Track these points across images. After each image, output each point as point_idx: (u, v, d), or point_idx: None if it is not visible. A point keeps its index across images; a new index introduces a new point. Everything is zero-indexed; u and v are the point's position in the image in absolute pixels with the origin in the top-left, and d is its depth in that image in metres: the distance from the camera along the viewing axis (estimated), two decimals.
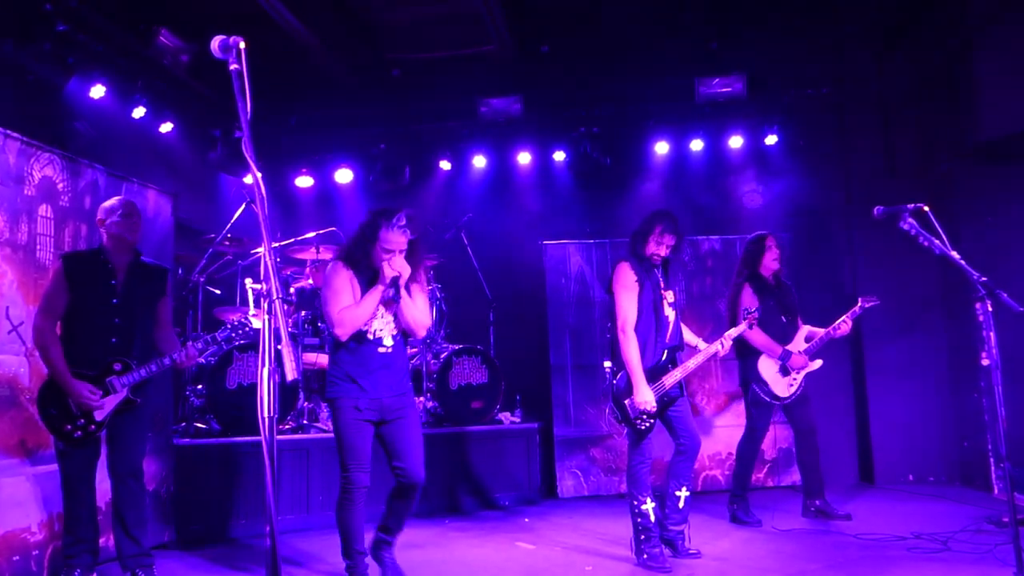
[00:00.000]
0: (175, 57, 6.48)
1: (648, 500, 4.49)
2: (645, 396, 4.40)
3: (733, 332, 4.89)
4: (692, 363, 4.67)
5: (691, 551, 4.63)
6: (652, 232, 4.59)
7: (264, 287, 1.86)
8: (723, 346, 4.77)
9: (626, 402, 4.48)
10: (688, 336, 4.91)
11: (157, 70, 6.69)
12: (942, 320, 7.24)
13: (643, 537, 4.48)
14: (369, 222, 4.09)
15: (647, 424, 4.49)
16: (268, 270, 1.83)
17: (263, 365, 1.79)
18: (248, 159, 1.95)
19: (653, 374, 4.51)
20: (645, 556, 4.45)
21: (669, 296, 4.66)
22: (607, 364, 4.77)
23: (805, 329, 5.68)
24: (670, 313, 4.63)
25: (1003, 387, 3.48)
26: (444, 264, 7.33)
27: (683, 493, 4.62)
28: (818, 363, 5.58)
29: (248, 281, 6.79)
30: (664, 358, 4.56)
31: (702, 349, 4.79)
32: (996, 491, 6.41)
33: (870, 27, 7.61)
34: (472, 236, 7.73)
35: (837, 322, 5.49)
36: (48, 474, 4.19)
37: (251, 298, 6.70)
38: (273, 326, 1.80)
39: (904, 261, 7.14)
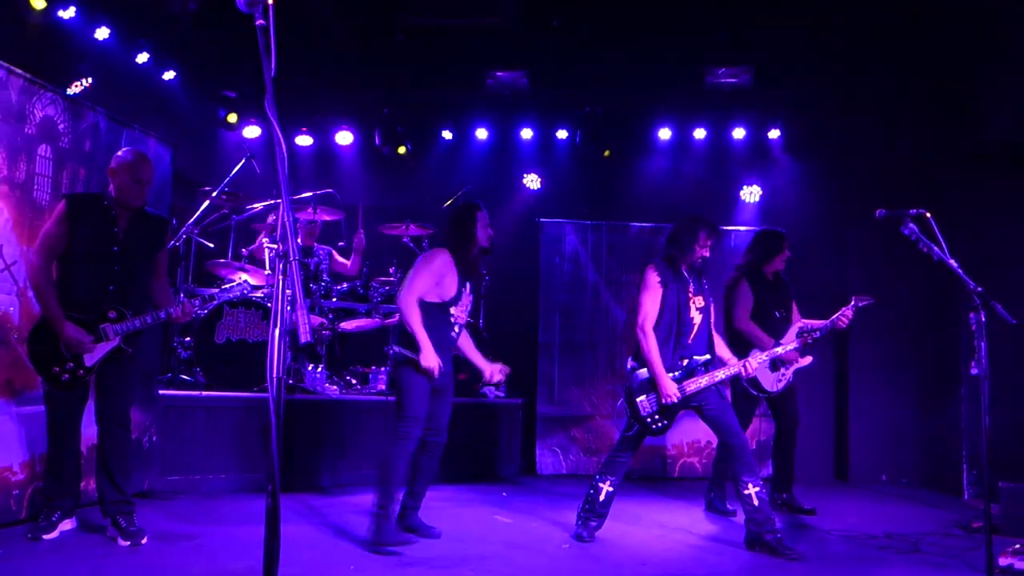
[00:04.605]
0: (183, 4, 6.38)
1: (609, 484, 4.61)
2: (669, 388, 4.44)
3: (762, 357, 4.82)
4: (721, 374, 4.60)
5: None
6: (697, 240, 4.60)
7: (281, 247, 1.85)
8: (747, 369, 4.63)
9: (638, 400, 4.51)
10: (721, 351, 4.79)
11: (163, 16, 6.58)
12: (928, 326, 7.30)
13: (587, 507, 4.66)
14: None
15: (660, 424, 4.53)
16: (287, 231, 1.82)
17: (275, 326, 1.78)
18: (270, 117, 1.93)
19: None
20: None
21: (698, 301, 4.63)
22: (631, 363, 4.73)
23: (798, 325, 5.71)
24: (696, 316, 4.60)
25: (987, 397, 3.52)
26: (438, 234, 7.29)
27: (751, 490, 4.46)
28: (808, 359, 5.60)
29: (265, 241, 6.76)
30: (686, 363, 4.55)
31: (731, 364, 4.69)
32: (966, 496, 6.53)
33: (878, 27, 7.59)
34: None
35: (832, 317, 5.45)
36: (33, 415, 4.18)
37: (267, 257, 6.64)
38: (288, 288, 1.79)
39: (895, 265, 7.20)
